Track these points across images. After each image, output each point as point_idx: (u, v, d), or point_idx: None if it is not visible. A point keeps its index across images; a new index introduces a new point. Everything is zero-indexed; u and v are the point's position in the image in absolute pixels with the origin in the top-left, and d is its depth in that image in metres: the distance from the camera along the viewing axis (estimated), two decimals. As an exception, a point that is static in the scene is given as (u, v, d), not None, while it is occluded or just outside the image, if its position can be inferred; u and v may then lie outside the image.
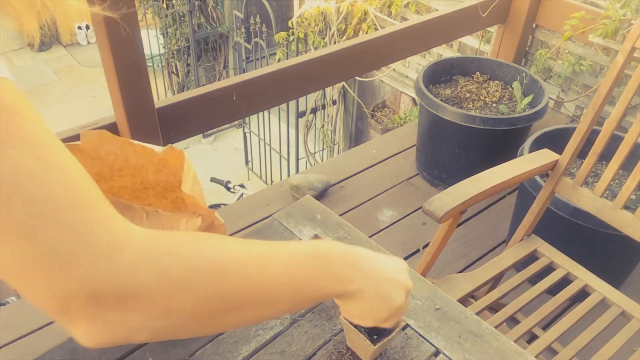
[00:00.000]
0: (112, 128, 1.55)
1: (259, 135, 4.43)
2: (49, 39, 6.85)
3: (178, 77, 5.63)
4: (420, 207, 1.25)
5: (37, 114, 0.40)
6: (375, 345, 0.74)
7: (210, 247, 0.46)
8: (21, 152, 0.37)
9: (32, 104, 0.40)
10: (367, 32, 3.15)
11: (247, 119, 4.51)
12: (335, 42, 3.28)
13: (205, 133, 5.38)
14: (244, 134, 4.74)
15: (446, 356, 0.80)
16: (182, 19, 5.09)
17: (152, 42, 5.17)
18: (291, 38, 3.45)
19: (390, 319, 0.66)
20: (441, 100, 2.16)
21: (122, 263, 0.39)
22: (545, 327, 1.51)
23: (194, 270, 0.43)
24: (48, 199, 0.38)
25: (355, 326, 0.77)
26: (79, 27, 6.86)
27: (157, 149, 0.54)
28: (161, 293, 0.41)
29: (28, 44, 6.61)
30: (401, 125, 3.55)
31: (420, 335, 0.82)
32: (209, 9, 5.13)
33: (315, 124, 4.03)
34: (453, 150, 2.16)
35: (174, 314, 0.42)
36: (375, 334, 0.76)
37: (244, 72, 2.76)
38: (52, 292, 0.38)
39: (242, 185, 3.58)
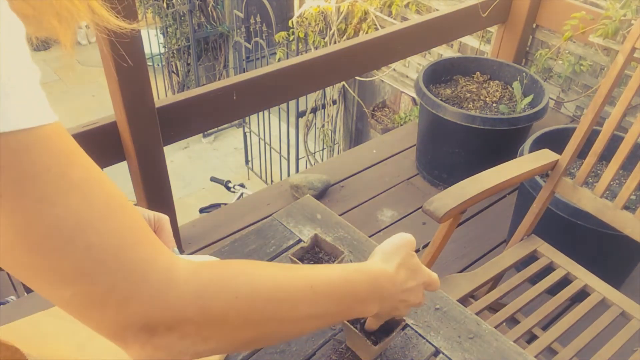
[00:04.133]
0: (112, 127, 1.55)
1: (259, 135, 4.43)
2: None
3: (178, 76, 5.63)
4: (420, 207, 1.25)
5: (83, 153, 0.42)
6: (375, 345, 0.74)
7: (249, 281, 0.52)
8: (78, 199, 0.40)
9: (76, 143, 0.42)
10: (367, 32, 3.15)
11: (247, 118, 4.50)
12: (335, 42, 3.28)
13: (205, 132, 5.37)
14: (244, 133, 4.74)
15: (446, 356, 0.80)
16: (183, 18, 5.09)
17: (152, 41, 5.16)
18: (291, 38, 3.45)
19: (404, 313, 0.72)
20: (441, 100, 2.16)
21: (171, 299, 0.45)
22: (545, 327, 1.51)
23: (232, 304, 0.49)
24: (105, 244, 0.41)
25: (356, 326, 0.77)
26: (79, 27, 6.85)
27: None
28: (203, 323, 0.47)
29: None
30: (401, 125, 3.55)
31: (420, 335, 0.82)
32: (209, 9, 5.13)
33: (315, 123, 4.03)
34: (453, 150, 2.16)
35: (214, 339, 0.49)
36: (377, 333, 0.76)
37: (244, 72, 2.75)
38: (109, 324, 0.43)
39: (242, 185, 3.58)
